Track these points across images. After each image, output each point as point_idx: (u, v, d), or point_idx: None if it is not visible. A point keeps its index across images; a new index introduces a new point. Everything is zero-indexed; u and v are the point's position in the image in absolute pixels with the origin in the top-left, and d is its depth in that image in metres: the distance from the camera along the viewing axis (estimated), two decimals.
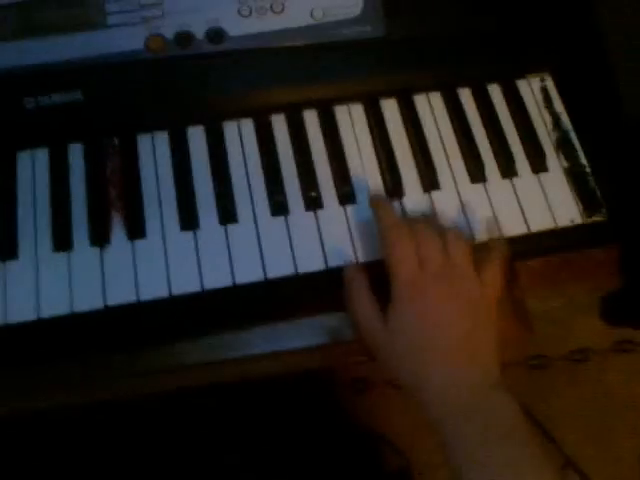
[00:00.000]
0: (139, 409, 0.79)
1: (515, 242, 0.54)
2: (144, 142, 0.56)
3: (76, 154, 0.55)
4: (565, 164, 0.56)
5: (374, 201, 0.54)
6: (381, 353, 0.48)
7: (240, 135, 0.57)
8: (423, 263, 0.48)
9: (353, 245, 0.53)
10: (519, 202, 0.55)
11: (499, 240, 0.52)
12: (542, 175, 0.56)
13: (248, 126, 0.57)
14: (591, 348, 1.23)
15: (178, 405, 0.84)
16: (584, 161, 0.56)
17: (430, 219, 0.52)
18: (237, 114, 0.57)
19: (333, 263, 0.52)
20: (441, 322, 0.46)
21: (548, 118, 0.58)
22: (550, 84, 0.59)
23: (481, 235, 0.54)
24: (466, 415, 0.44)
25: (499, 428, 0.44)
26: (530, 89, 0.59)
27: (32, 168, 0.54)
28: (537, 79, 0.60)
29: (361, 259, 0.53)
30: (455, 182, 0.56)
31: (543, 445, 0.44)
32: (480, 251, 0.50)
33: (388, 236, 0.49)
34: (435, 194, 0.55)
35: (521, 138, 0.57)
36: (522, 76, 0.60)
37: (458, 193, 0.55)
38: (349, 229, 0.54)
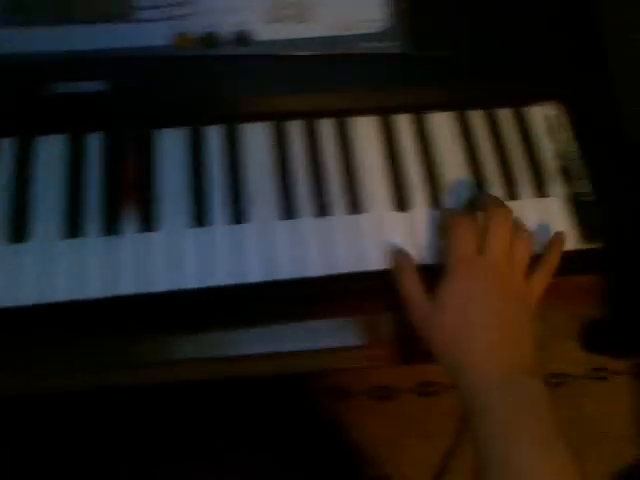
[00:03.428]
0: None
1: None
2: (163, 137, 0.57)
3: (94, 143, 0.56)
4: (568, 191, 0.59)
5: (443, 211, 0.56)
6: (425, 328, 0.50)
7: (256, 137, 0.58)
8: (485, 249, 0.50)
9: (356, 254, 0.55)
10: None
11: (555, 254, 0.54)
12: (543, 200, 0.58)
13: (265, 129, 0.58)
14: (567, 373, 1.25)
15: (156, 402, 0.84)
16: (588, 189, 0.59)
17: (508, 213, 0.53)
18: (255, 117, 0.58)
19: (337, 270, 0.54)
20: (489, 305, 0.49)
21: (555, 145, 0.60)
22: (560, 112, 0.61)
23: None
24: (503, 387, 0.47)
25: (534, 408, 0.46)
26: (540, 116, 0.62)
27: (49, 153, 0.55)
28: (547, 106, 0.62)
29: (360, 269, 0.54)
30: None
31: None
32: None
33: (452, 219, 0.52)
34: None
35: (527, 163, 0.60)
36: (533, 103, 0.62)
37: None
38: (353, 238, 0.55)
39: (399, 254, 0.54)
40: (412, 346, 0.57)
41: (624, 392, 1.25)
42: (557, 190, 0.59)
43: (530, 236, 0.53)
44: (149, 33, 0.56)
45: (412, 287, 0.51)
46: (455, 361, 0.49)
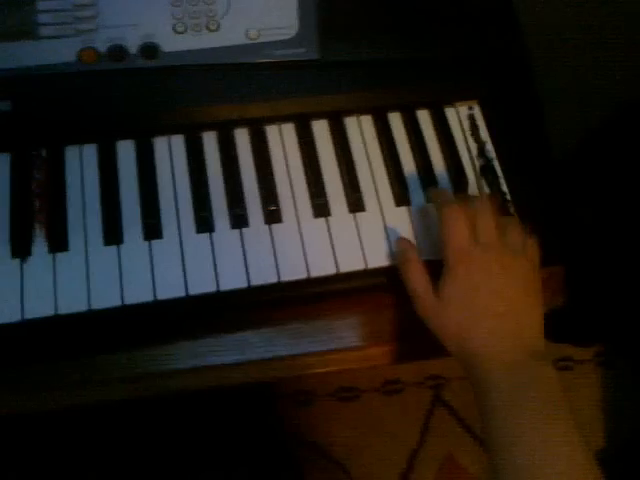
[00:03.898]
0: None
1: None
2: (72, 155, 0.56)
3: (1, 166, 0.55)
4: (487, 190, 0.58)
5: (432, 192, 0.56)
6: (433, 321, 0.50)
7: (170, 151, 0.57)
8: (478, 235, 0.50)
9: (276, 264, 0.54)
10: None
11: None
12: None
13: (179, 142, 0.57)
14: None
15: (111, 416, 0.83)
16: (505, 189, 0.58)
17: (490, 204, 0.53)
18: (168, 130, 0.57)
19: (256, 282, 0.53)
20: (492, 290, 0.49)
21: (473, 145, 0.60)
22: (477, 113, 0.61)
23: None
24: (509, 371, 0.46)
25: (540, 393, 0.46)
26: (458, 116, 0.61)
27: None
28: (465, 107, 0.61)
29: (284, 278, 0.53)
30: (380, 205, 0.57)
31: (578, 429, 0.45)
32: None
33: (443, 211, 0.52)
34: (360, 215, 0.57)
35: (446, 164, 0.59)
36: (451, 103, 0.61)
37: (382, 215, 0.57)
38: (273, 248, 0.54)
39: (404, 245, 0.53)
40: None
41: (590, 381, 1.26)
42: (476, 189, 0.58)
43: (517, 220, 0.53)
44: (53, 50, 0.55)
45: (417, 280, 0.51)
46: (464, 350, 0.49)
